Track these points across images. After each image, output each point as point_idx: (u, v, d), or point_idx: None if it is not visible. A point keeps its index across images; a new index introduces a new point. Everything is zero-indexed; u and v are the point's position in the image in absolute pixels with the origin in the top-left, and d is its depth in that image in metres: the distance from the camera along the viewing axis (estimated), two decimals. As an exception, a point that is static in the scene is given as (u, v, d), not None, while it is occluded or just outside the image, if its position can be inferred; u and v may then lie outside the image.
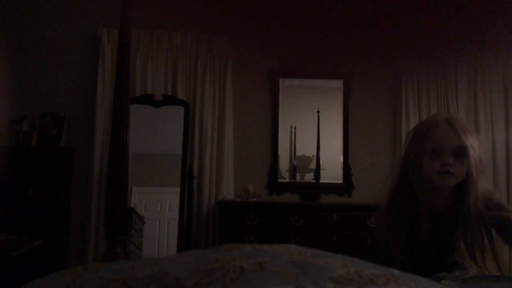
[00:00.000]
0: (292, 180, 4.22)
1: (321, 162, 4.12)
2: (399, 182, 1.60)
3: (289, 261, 0.41)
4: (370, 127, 4.27)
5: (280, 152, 4.20)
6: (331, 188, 4.17)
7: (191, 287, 0.36)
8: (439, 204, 1.55)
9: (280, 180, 4.19)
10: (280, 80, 4.28)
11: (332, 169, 4.20)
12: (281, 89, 4.26)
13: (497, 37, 4.25)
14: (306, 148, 4.23)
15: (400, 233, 1.51)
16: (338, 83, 4.30)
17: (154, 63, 4.11)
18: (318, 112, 4.18)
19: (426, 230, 1.48)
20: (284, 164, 4.24)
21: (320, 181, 4.12)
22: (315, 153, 4.14)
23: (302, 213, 3.66)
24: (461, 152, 1.47)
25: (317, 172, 4.12)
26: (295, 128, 4.25)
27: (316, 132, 4.13)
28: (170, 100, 4.05)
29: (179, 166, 3.94)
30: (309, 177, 4.18)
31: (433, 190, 1.53)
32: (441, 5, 4.29)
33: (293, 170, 4.24)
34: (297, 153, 4.24)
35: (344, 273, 0.38)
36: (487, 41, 4.26)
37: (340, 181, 4.19)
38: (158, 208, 4.17)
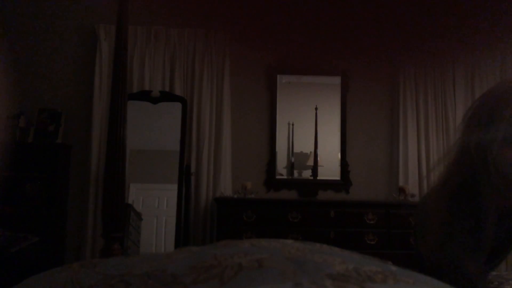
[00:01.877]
0: (290, 177, 4.22)
1: (318, 159, 4.12)
2: (457, 174, 1.13)
3: (287, 257, 0.41)
4: (368, 124, 4.27)
5: (277, 149, 4.20)
6: (328, 184, 4.17)
7: (189, 283, 0.36)
8: None
9: (277, 177, 4.19)
10: (278, 76, 4.27)
11: (329, 166, 4.20)
12: (279, 85, 4.26)
13: (494, 34, 4.26)
14: (303, 145, 4.23)
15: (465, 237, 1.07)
16: (336, 80, 4.30)
17: (152, 59, 4.10)
18: (316, 108, 4.18)
19: (493, 237, 1.05)
20: (281, 160, 4.24)
21: (318, 177, 4.12)
22: (312, 150, 4.14)
23: (300, 209, 3.67)
24: None
25: (314, 168, 4.13)
26: (293, 124, 4.25)
27: (314, 129, 4.14)
28: (167, 96, 4.04)
29: (177, 162, 3.94)
30: (307, 174, 4.19)
31: (506, 186, 1.07)
32: (439, 3, 4.29)
33: (291, 166, 4.24)
34: (295, 150, 4.25)
35: (342, 269, 0.38)
36: (484, 37, 4.26)
37: (338, 177, 4.20)
38: (155, 205, 4.17)
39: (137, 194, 4.12)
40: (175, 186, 3.90)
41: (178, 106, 4.02)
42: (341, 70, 4.29)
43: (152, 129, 4.24)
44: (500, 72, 4.28)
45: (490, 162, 1.04)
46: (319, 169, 4.13)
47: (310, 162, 4.17)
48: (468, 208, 1.07)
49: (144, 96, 4.00)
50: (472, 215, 1.06)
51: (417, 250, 1.20)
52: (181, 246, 3.66)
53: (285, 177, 4.22)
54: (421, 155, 4.14)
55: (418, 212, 1.25)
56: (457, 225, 1.07)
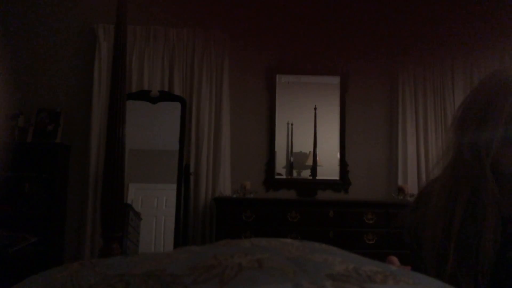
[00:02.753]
0: (289, 177, 4.22)
1: (317, 158, 4.13)
2: (453, 177, 0.98)
3: (287, 257, 0.41)
4: (367, 124, 4.27)
5: (277, 148, 4.20)
6: (327, 184, 4.17)
7: (189, 284, 0.36)
8: None
9: (277, 177, 4.19)
10: (277, 76, 4.27)
11: (328, 165, 4.20)
12: (278, 85, 4.26)
13: (493, 34, 4.26)
14: (303, 144, 4.23)
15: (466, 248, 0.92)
16: (335, 80, 4.30)
17: (151, 59, 4.10)
18: (315, 108, 4.18)
19: (493, 246, 0.89)
20: (281, 160, 4.24)
21: (317, 177, 4.13)
22: (312, 149, 4.14)
23: (299, 209, 3.67)
24: None
25: (313, 168, 4.13)
26: (292, 124, 4.25)
27: (313, 129, 4.14)
28: (166, 96, 4.04)
29: (176, 162, 3.94)
30: (306, 173, 4.19)
31: (508, 190, 0.93)
32: (438, 3, 4.29)
33: (290, 166, 4.24)
34: (294, 150, 4.25)
35: (342, 270, 0.38)
36: (483, 37, 4.27)
37: (337, 177, 4.20)
38: (154, 205, 4.17)
39: (136, 194, 4.12)
40: (174, 186, 3.90)
41: (177, 105, 4.02)
42: (340, 70, 4.29)
43: (151, 129, 4.24)
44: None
45: (487, 165, 0.90)
46: (318, 169, 4.14)
47: (309, 162, 4.17)
48: (467, 221, 0.92)
49: (143, 95, 4.00)
50: (471, 228, 0.92)
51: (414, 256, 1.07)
52: (180, 246, 3.66)
53: (284, 176, 4.22)
54: (420, 154, 4.14)
55: (413, 219, 1.08)
56: (454, 241, 0.93)
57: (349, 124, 4.24)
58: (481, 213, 0.91)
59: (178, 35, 4.14)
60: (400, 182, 4.06)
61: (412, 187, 4.01)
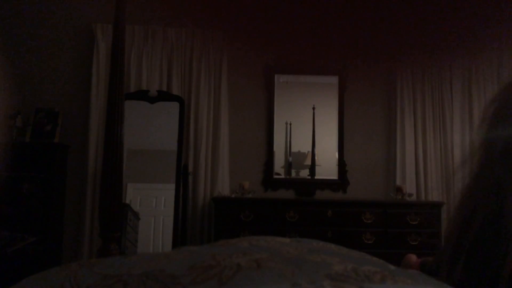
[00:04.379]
0: (287, 176, 4.22)
1: (316, 158, 4.13)
2: (477, 179, 0.82)
3: (286, 257, 0.41)
4: (365, 123, 4.27)
5: (275, 148, 4.21)
6: (326, 184, 4.17)
7: (188, 284, 0.36)
8: None
9: (275, 176, 4.19)
10: (276, 76, 4.27)
11: (327, 165, 4.21)
12: (276, 85, 4.26)
13: (491, 36, 4.27)
14: (301, 144, 4.23)
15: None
16: (333, 79, 4.30)
17: (149, 59, 4.09)
18: (314, 108, 4.18)
19: None
20: (279, 160, 4.24)
21: (315, 177, 4.13)
22: (310, 149, 4.15)
23: (297, 209, 3.67)
24: None
25: (312, 168, 4.13)
26: (290, 124, 4.25)
27: (312, 129, 4.14)
28: (165, 96, 4.04)
29: (174, 162, 3.94)
30: (304, 173, 4.19)
31: None
32: (437, 4, 4.29)
33: (288, 166, 4.24)
34: (293, 150, 4.25)
35: (340, 269, 0.38)
36: (482, 39, 4.27)
37: (335, 177, 4.20)
38: (153, 205, 4.17)
39: (134, 194, 4.11)
40: (172, 186, 3.90)
41: (175, 105, 4.02)
42: (339, 70, 4.29)
43: (150, 129, 4.24)
44: (497, 72, 4.29)
45: None
46: (317, 169, 4.14)
47: (308, 162, 4.18)
48: (486, 227, 0.81)
49: (142, 95, 4.00)
50: (490, 236, 0.81)
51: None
52: (178, 246, 3.66)
53: (282, 176, 4.22)
54: (418, 154, 4.15)
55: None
56: (467, 248, 0.81)
57: (347, 124, 4.24)
58: (507, 221, 0.77)
59: (176, 35, 4.14)
60: (398, 182, 4.06)
61: (410, 187, 4.01)
